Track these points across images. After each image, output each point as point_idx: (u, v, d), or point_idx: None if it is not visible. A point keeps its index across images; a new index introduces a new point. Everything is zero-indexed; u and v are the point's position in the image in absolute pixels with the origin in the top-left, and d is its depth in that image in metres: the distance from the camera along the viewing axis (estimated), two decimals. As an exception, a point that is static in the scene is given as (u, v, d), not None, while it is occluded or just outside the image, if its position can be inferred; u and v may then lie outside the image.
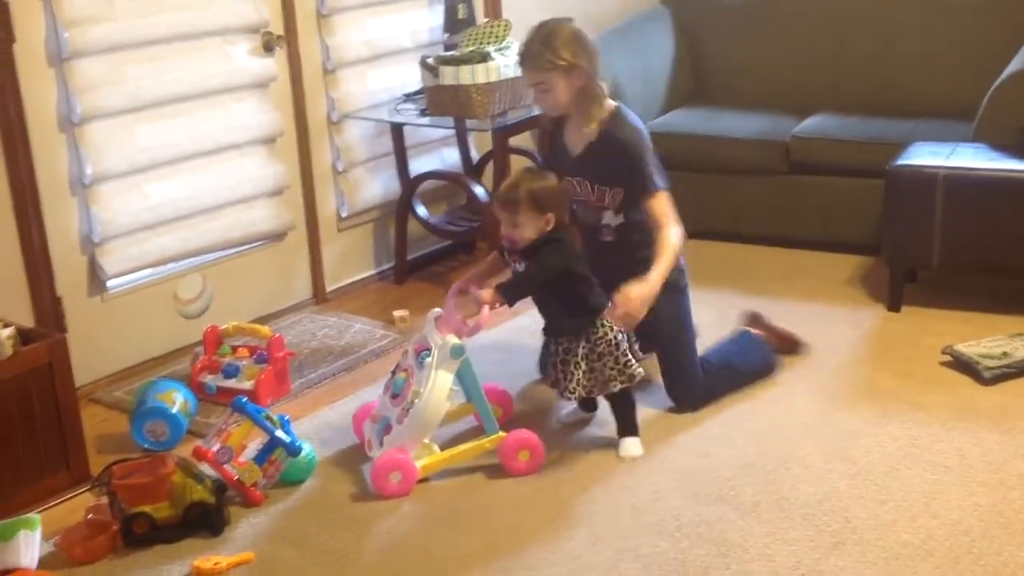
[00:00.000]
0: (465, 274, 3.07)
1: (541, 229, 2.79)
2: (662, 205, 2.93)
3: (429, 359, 2.77)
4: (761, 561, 2.44)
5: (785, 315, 3.68)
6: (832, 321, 3.63)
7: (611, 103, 2.98)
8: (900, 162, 3.66)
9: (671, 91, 4.71)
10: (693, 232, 4.33)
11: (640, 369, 2.86)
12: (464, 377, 2.86)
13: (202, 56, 3.62)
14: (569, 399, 2.91)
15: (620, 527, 2.60)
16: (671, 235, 2.89)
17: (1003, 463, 2.76)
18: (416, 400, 2.74)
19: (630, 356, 2.84)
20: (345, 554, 2.55)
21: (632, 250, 2.99)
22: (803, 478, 2.76)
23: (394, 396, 2.82)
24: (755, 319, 3.43)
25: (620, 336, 2.83)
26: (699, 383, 3.10)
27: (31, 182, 3.19)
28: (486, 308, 2.79)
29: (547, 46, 2.89)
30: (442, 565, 2.50)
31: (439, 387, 2.76)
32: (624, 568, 2.45)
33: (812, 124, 4.30)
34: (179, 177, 3.61)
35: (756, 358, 3.28)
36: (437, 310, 2.90)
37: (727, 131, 4.37)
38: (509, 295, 2.82)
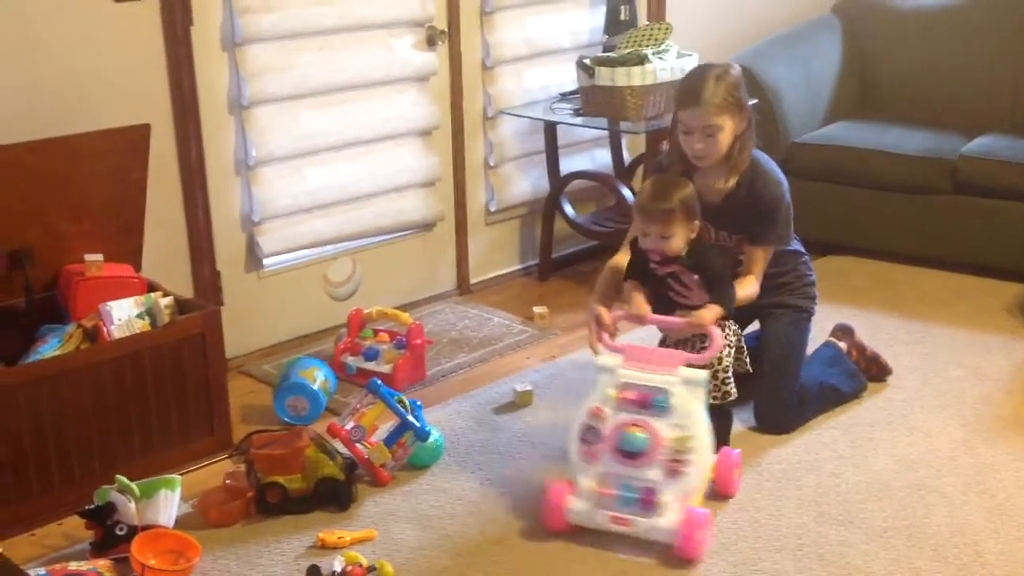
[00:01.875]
0: (597, 307, 2.81)
1: (689, 237, 2.73)
2: (764, 259, 2.91)
3: (673, 401, 2.53)
4: (882, 588, 2.39)
5: (936, 340, 3.58)
6: (984, 350, 3.49)
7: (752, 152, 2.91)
8: (1070, 188, 3.49)
9: (834, 102, 4.60)
10: (847, 248, 4.29)
11: (734, 389, 2.81)
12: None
13: (367, 47, 3.74)
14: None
15: (739, 541, 2.57)
16: (752, 288, 2.86)
17: None
18: (691, 444, 2.50)
19: (729, 374, 2.80)
20: (464, 541, 2.60)
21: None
22: (937, 507, 2.67)
23: (632, 456, 2.51)
24: (846, 332, 3.32)
25: (728, 352, 2.79)
26: (790, 413, 3.02)
27: (200, 161, 3.37)
28: (716, 331, 2.66)
29: (724, 88, 2.78)
30: (550, 560, 2.52)
31: (705, 423, 2.57)
32: (634, 544, 2.46)
33: (982, 144, 4.13)
34: (337, 163, 3.74)
35: (847, 380, 3.18)
36: (616, 358, 2.62)
37: (891, 146, 4.23)
38: (728, 305, 2.71)
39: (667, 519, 2.47)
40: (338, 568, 2.40)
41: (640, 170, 4.33)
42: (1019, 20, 4.40)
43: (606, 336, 2.71)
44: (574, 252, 4.45)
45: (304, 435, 2.77)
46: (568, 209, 4.26)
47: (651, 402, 2.54)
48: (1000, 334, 3.60)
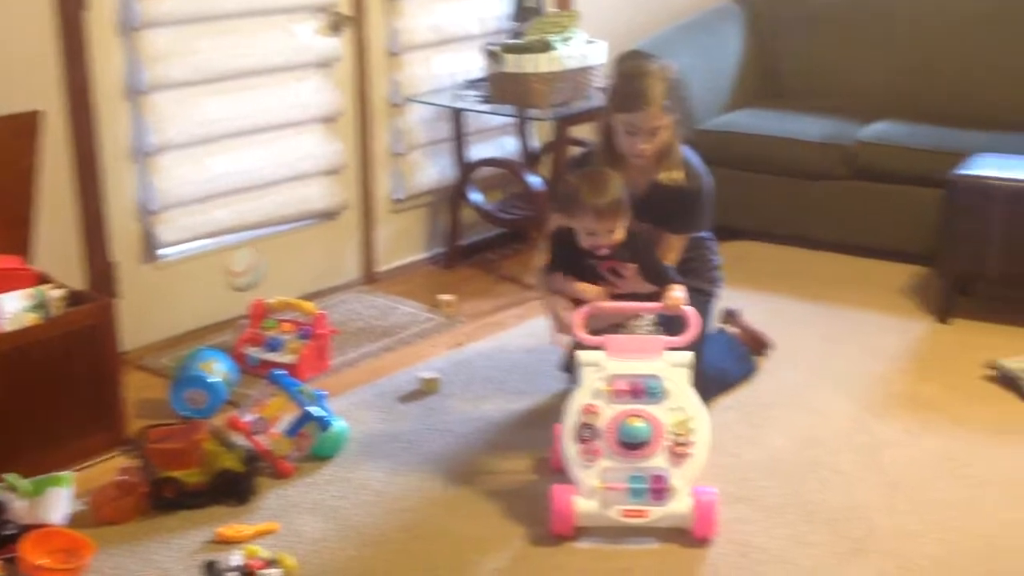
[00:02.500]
0: (562, 301, 2.82)
1: (626, 227, 2.73)
2: (681, 246, 2.95)
3: (666, 385, 2.53)
4: (779, 563, 2.43)
5: (833, 320, 3.66)
6: (880, 330, 3.58)
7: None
8: (961, 172, 3.59)
9: (737, 90, 4.66)
10: (750, 233, 4.35)
11: None
12: None
13: (269, 33, 3.68)
14: None
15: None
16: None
17: (1040, 482, 2.71)
18: (692, 425, 2.51)
19: None
20: (368, 530, 2.59)
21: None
22: (832, 484, 2.73)
23: (635, 446, 2.49)
24: (732, 317, 3.39)
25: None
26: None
27: (93, 149, 3.28)
28: (692, 310, 2.65)
29: (666, 88, 2.79)
30: (460, 548, 2.52)
31: (699, 402, 2.56)
32: (642, 561, 2.45)
33: (878, 130, 4.22)
34: (238, 151, 3.68)
35: (740, 364, 3.25)
36: (598, 353, 2.58)
37: (792, 132, 4.30)
38: (681, 282, 2.74)
39: (680, 503, 2.47)
40: (237, 563, 2.37)
41: (548, 158, 4.34)
42: (912, 8, 4.51)
43: (584, 332, 2.66)
44: (482, 240, 4.45)
45: (201, 428, 2.73)
46: (475, 196, 4.25)
47: (644, 389, 2.53)
48: (896, 314, 3.69)
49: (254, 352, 3.37)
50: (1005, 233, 3.46)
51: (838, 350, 3.45)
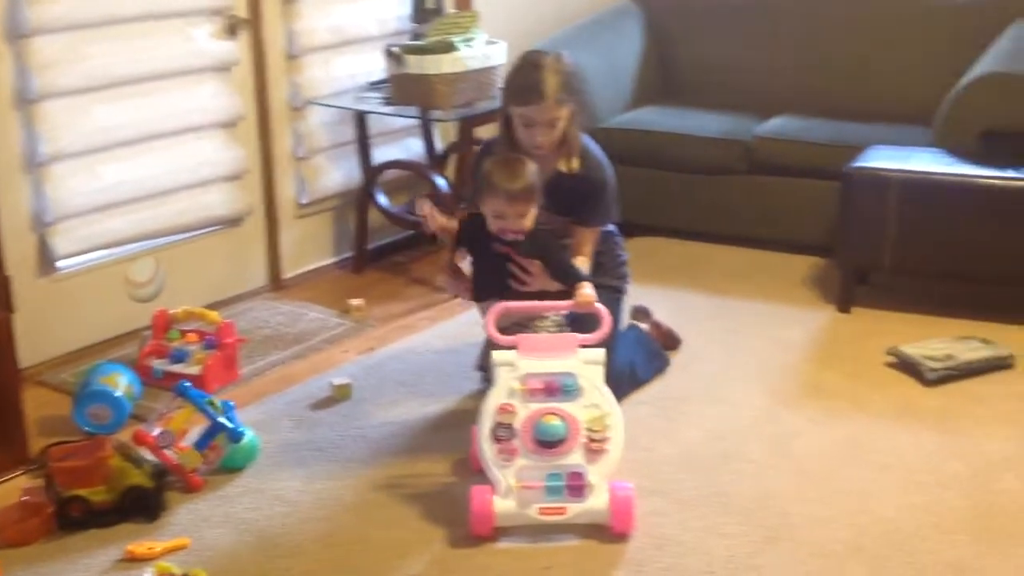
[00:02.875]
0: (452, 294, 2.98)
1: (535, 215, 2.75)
2: (593, 239, 2.98)
3: (581, 382, 2.54)
4: (696, 555, 2.46)
5: (739, 313, 3.72)
6: (782, 321, 3.65)
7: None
8: (856, 164, 3.69)
9: (638, 88, 4.71)
10: (654, 229, 4.41)
11: None
12: None
13: (164, 37, 3.60)
14: None
15: (558, 519, 2.61)
16: (586, 268, 2.91)
17: (940, 463, 2.79)
18: (608, 422, 2.52)
19: None
20: (283, 542, 2.54)
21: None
22: (744, 474, 2.78)
23: (551, 444, 2.49)
24: (642, 313, 3.43)
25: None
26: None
27: (-21, 159, 3.18)
28: (604, 308, 2.65)
29: (561, 79, 2.81)
30: (379, 554, 2.50)
31: (613, 398, 2.57)
32: (561, 559, 2.45)
33: (774, 125, 4.31)
34: (135, 159, 3.59)
35: (652, 360, 3.29)
36: (511, 353, 2.58)
37: (690, 129, 4.37)
38: (589, 279, 2.75)
39: (598, 499, 2.48)
40: (148, 580, 2.32)
41: (453, 159, 4.33)
42: (804, 5, 4.61)
43: (496, 331, 2.63)
44: (389, 243, 4.42)
45: (107, 444, 2.65)
46: (382, 199, 4.22)
47: (559, 387, 2.53)
48: (798, 305, 3.78)
49: (158, 364, 3.29)
50: (900, 223, 3.56)
51: (744, 342, 3.51)
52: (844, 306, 3.70)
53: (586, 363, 2.57)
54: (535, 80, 2.80)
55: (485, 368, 3.05)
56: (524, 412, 2.52)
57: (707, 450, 2.90)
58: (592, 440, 2.50)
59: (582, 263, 2.93)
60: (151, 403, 3.12)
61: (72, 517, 2.55)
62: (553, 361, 2.56)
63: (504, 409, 2.52)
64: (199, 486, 2.74)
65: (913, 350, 3.26)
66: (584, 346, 2.60)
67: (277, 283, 4.09)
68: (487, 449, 2.51)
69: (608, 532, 2.50)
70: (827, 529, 2.54)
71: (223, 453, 2.79)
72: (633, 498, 2.50)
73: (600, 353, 2.59)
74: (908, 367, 3.24)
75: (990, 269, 3.52)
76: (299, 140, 4.10)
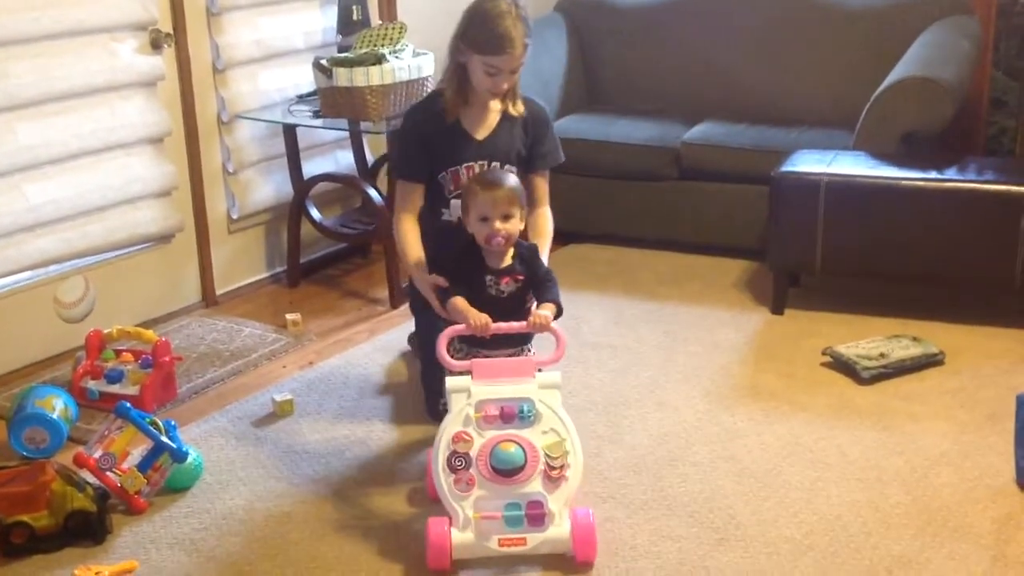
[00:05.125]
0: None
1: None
2: (546, 184, 2.98)
3: (538, 407, 2.46)
4: (648, 559, 2.48)
5: (674, 318, 3.77)
6: (717, 324, 3.72)
7: None
8: (784, 169, 3.77)
9: (564, 97, 4.76)
10: (586, 236, 4.45)
11: None
12: None
13: (87, 53, 3.54)
14: None
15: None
16: (551, 220, 2.92)
17: (880, 460, 2.86)
18: (566, 447, 2.45)
19: None
20: (233, 561, 2.51)
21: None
22: (689, 477, 2.82)
23: (509, 473, 2.41)
24: None
25: None
26: None
27: (-98, 181, 3.08)
28: (560, 330, 2.59)
29: (523, 26, 2.79)
30: (329, 573, 2.47)
31: (571, 423, 2.49)
32: (513, 561, 2.45)
33: (701, 131, 4.39)
34: (62, 177, 3.51)
35: None
36: (465, 379, 2.51)
37: (619, 137, 4.43)
38: (559, 301, 2.65)
39: (559, 528, 2.41)
40: (98, 605, 2.27)
41: (384, 170, 4.32)
42: (722, 13, 4.70)
43: (448, 356, 2.58)
44: (322, 256, 4.39)
45: (48, 468, 2.58)
46: (314, 213, 4.19)
47: (516, 413, 2.45)
48: (731, 309, 3.85)
49: (94, 385, 3.22)
50: (828, 225, 3.65)
51: (681, 346, 3.56)
52: (777, 308, 3.78)
53: (543, 387, 2.50)
54: (503, 29, 2.77)
55: (434, 412, 2.93)
56: (480, 440, 2.44)
57: (652, 454, 2.93)
58: (551, 467, 2.43)
59: (548, 217, 2.93)
60: (88, 425, 3.06)
61: (15, 544, 2.48)
62: (509, 386, 2.49)
63: (459, 438, 2.44)
64: (143, 508, 2.69)
65: (847, 350, 3.34)
66: (541, 369, 2.55)
67: (210, 299, 4.03)
68: (443, 480, 2.43)
69: (571, 562, 2.44)
70: (774, 528, 2.59)
71: (167, 474, 2.74)
72: (593, 522, 2.43)
73: (557, 377, 2.53)
74: (843, 367, 3.32)
75: (916, 268, 3.63)
76: (228, 155, 4.05)
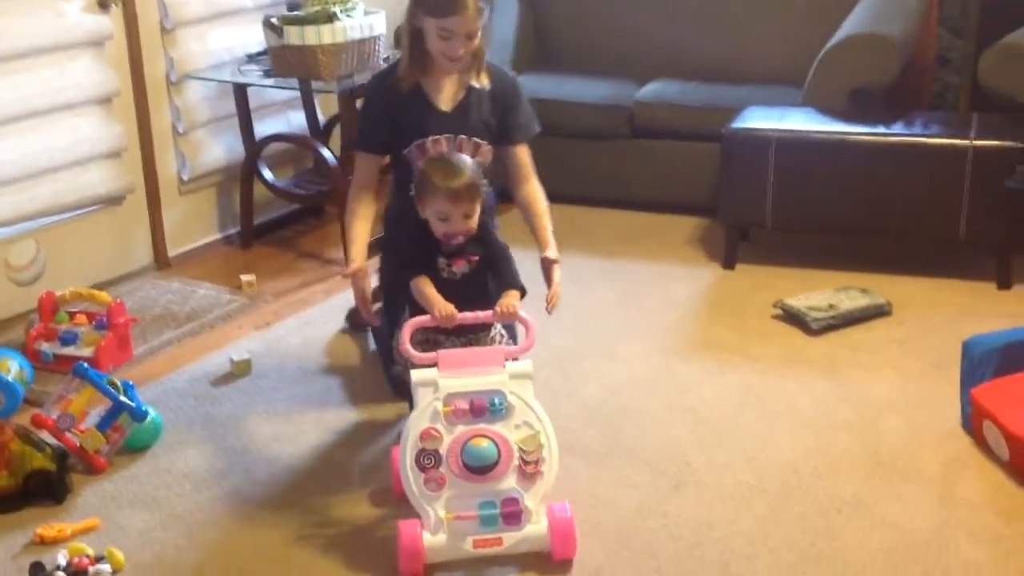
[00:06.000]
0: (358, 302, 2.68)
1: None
2: (529, 155, 2.82)
3: (510, 400, 2.34)
4: (607, 506, 2.53)
5: (629, 274, 3.82)
6: (671, 279, 3.77)
7: None
8: (734, 126, 3.81)
9: (517, 57, 4.74)
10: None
11: None
12: None
13: (32, 12, 3.49)
14: None
15: (471, 480, 2.64)
16: (543, 194, 2.79)
17: (829, 408, 2.93)
18: (543, 441, 2.32)
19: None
20: (195, 518, 2.52)
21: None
22: (646, 427, 2.87)
23: (482, 470, 2.29)
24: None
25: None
26: None
27: None
28: (528, 316, 2.46)
29: None
30: (294, 529, 2.49)
31: (545, 415, 2.37)
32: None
33: (653, 90, 4.42)
34: (8, 139, 3.47)
35: None
36: (431, 371, 2.36)
37: (572, 96, 4.44)
38: (520, 284, 2.52)
39: (536, 525, 2.30)
40: (63, 562, 2.27)
41: (336, 130, 4.30)
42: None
43: (412, 348, 2.41)
44: (276, 218, 4.37)
45: (6, 429, 2.57)
46: (267, 173, 4.17)
47: (487, 407, 2.32)
48: (685, 264, 3.90)
49: (47, 348, 3.20)
50: (778, 181, 3.70)
51: (636, 302, 3.61)
52: (729, 263, 3.84)
53: (514, 378, 2.36)
54: None
55: (397, 387, 2.84)
56: (450, 436, 2.30)
57: (608, 406, 2.98)
58: (525, 462, 2.31)
59: (539, 192, 2.80)
60: (43, 387, 3.04)
61: (-27, 505, 2.48)
62: (478, 378, 2.35)
63: (428, 434, 2.29)
64: (104, 467, 2.69)
65: (797, 302, 3.40)
66: (510, 358, 2.41)
67: (162, 261, 4.00)
68: (412, 480, 2.29)
69: (548, 560, 2.33)
70: (729, 474, 2.65)
71: (126, 433, 2.74)
72: (572, 518, 2.31)
73: (527, 365, 2.40)
74: (793, 318, 3.39)
75: (864, 222, 3.70)
76: (178, 115, 4.01)
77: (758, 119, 3.83)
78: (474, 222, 2.49)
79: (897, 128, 3.69)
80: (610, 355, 3.26)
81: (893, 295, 3.51)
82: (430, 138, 2.68)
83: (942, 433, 2.79)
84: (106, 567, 2.28)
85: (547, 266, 2.64)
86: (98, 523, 2.48)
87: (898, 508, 2.49)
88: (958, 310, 3.46)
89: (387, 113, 2.73)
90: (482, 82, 2.74)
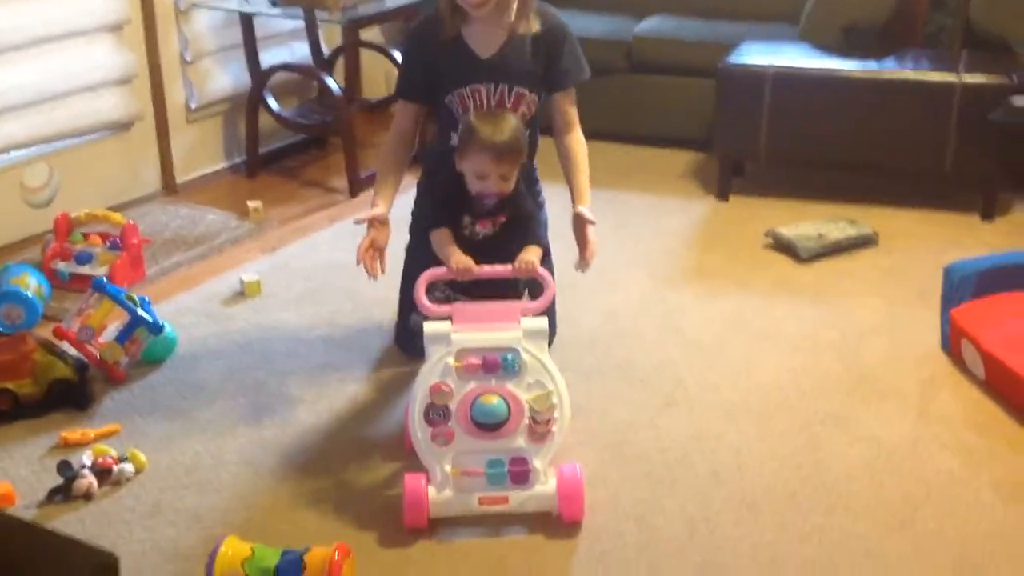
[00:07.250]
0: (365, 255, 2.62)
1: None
2: (574, 103, 2.78)
3: (523, 357, 2.29)
4: (600, 417, 2.67)
5: (624, 206, 3.92)
6: (666, 211, 3.88)
7: None
8: (731, 61, 3.90)
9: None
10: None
11: None
12: None
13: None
14: None
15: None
16: (583, 142, 2.78)
17: (815, 332, 3.06)
18: (553, 401, 2.28)
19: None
20: (213, 425, 2.64)
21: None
22: (639, 348, 3.00)
23: (492, 427, 2.26)
24: None
25: None
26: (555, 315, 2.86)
27: None
28: (547, 273, 2.47)
29: None
30: (308, 435, 2.62)
31: (558, 374, 2.32)
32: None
33: (651, 25, 4.49)
34: (25, 63, 3.55)
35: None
36: (444, 325, 2.32)
37: (574, 31, 4.48)
38: (544, 242, 2.52)
39: (544, 486, 2.26)
40: (88, 462, 2.40)
41: (341, 62, 4.37)
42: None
43: (427, 300, 2.38)
44: (281, 147, 4.46)
45: (29, 339, 2.69)
46: (272, 103, 4.25)
47: (499, 363, 2.27)
48: (677, 196, 4.01)
49: (63, 267, 3.31)
50: (772, 115, 3.81)
51: (631, 232, 3.72)
52: (722, 195, 3.95)
53: (528, 335, 2.31)
54: None
55: (404, 345, 2.90)
56: (460, 392, 2.27)
57: (603, 330, 3.10)
58: (536, 422, 2.27)
59: (582, 141, 2.79)
60: (60, 304, 3.15)
61: (1, 410, 2.59)
62: (492, 334, 2.30)
63: (438, 388, 2.26)
64: (123, 378, 2.81)
65: (788, 231, 3.52)
66: (527, 314, 2.37)
67: (171, 188, 4.10)
68: (420, 434, 2.26)
69: (556, 520, 2.29)
70: (718, 392, 2.78)
71: (143, 346, 2.86)
72: (581, 479, 2.27)
73: (543, 323, 2.35)
74: (783, 247, 3.51)
75: (853, 155, 3.81)
76: (186, 44, 4.08)
77: (754, 55, 3.92)
78: (510, 185, 2.47)
79: (888, 64, 3.79)
80: (605, 284, 3.37)
81: (880, 226, 3.63)
82: (469, 87, 2.61)
83: (922, 355, 2.93)
84: (129, 467, 2.41)
85: (580, 225, 2.62)
86: (119, 428, 2.60)
87: (877, 423, 2.63)
88: (942, 241, 3.59)
89: (426, 60, 2.65)
90: (531, 28, 2.64)
